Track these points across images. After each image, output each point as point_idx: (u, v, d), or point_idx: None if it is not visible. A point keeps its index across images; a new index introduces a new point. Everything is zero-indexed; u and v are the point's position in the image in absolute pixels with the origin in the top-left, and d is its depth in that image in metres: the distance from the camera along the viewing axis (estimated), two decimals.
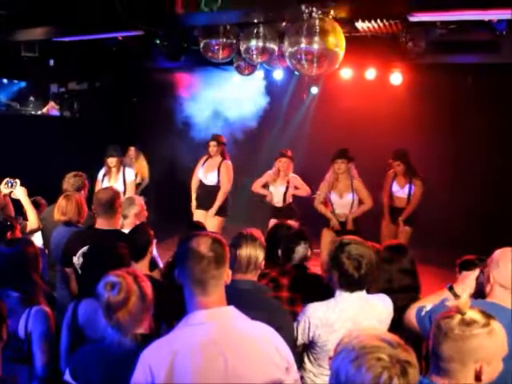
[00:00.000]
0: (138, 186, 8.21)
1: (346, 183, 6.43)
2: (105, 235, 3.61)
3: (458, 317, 1.83)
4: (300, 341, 2.84)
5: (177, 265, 1.98)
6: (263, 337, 1.93)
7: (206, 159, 7.16)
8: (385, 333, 1.50)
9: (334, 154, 6.48)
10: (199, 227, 4.29)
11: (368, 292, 2.82)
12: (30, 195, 4.75)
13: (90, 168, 7.02)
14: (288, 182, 6.92)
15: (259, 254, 2.70)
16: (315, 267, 6.51)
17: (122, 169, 7.11)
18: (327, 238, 6.43)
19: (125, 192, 6.86)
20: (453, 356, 1.80)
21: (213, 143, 7.05)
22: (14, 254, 2.92)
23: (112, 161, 7.01)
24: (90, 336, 2.62)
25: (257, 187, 7.07)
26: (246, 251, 2.66)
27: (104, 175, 7.10)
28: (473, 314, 1.84)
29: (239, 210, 8.53)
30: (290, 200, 7.00)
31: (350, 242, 2.71)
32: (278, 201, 7.00)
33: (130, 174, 7.18)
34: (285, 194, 6.95)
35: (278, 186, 6.97)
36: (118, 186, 6.91)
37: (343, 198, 6.43)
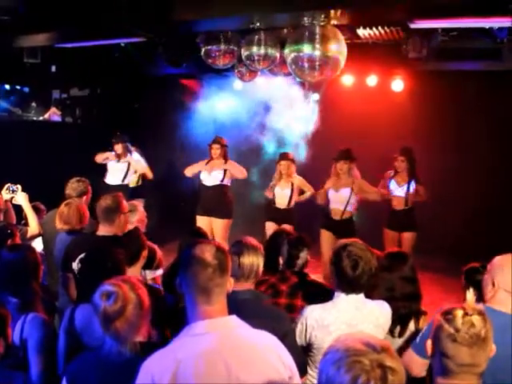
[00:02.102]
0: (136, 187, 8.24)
1: (346, 181, 6.43)
2: (103, 241, 3.60)
3: (460, 317, 1.84)
4: (298, 343, 2.84)
5: (179, 273, 1.94)
6: (266, 345, 1.91)
7: (208, 162, 7.11)
8: (372, 337, 1.49)
9: (337, 155, 6.48)
10: (200, 234, 4.29)
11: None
12: (31, 201, 4.75)
13: (92, 173, 7.05)
14: (292, 185, 6.87)
15: (260, 262, 2.73)
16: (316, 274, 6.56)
17: (128, 154, 7.68)
18: (326, 240, 6.44)
19: (127, 171, 7.61)
20: (462, 357, 1.81)
21: (216, 146, 7.02)
22: (16, 260, 2.93)
23: (117, 147, 7.57)
24: (87, 342, 2.61)
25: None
26: (248, 259, 2.67)
27: (115, 156, 7.66)
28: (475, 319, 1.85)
29: (239, 217, 8.55)
30: (293, 204, 6.94)
31: (352, 244, 2.78)
32: (281, 203, 6.92)
33: (136, 155, 7.75)
34: (290, 197, 6.87)
35: (284, 188, 6.89)
36: (123, 166, 7.61)
37: (338, 192, 6.41)
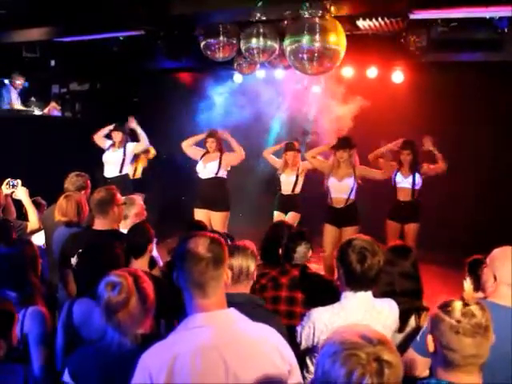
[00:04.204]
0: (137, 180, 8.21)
1: (348, 170, 6.44)
2: (100, 235, 3.60)
3: (459, 309, 1.82)
4: (304, 345, 2.80)
5: (175, 267, 1.94)
6: (265, 339, 1.90)
7: (204, 154, 7.04)
8: (370, 330, 1.47)
9: (336, 143, 6.49)
10: (200, 227, 4.28)
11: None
12: (31, 196, 4.74)
13: (92, 168, 7.04)
14: (298, 172, 7.04)
15: (250, 264, 2.70)
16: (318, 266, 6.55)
17: (124, 143, 7.55)
18: (329, 234, 6.46)
19: (124, 160, 7.48)
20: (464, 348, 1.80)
21: (211, 139, 6.93)
22: (14, 254, 2.93)
23: (116, 135, 7.47)
24: (85, 336, 2.61)
25: (268, 153, 7.29)
26: (237, 261, 2.66)
27: (110, 146, 7.58)
28: (474, 309, 1.84)
29: (242, 211, 8.57)
30: (298, 191, 7.09)
31: (356, 238, 2.72)
32: (286, 189, 7.12)
33: (131, 146, 7.61)
34: (295, 183, 7.07)
35: (290, 175, 7.10)
36: (119, 155, 7.48)
37: (342, 182, 6.41)
